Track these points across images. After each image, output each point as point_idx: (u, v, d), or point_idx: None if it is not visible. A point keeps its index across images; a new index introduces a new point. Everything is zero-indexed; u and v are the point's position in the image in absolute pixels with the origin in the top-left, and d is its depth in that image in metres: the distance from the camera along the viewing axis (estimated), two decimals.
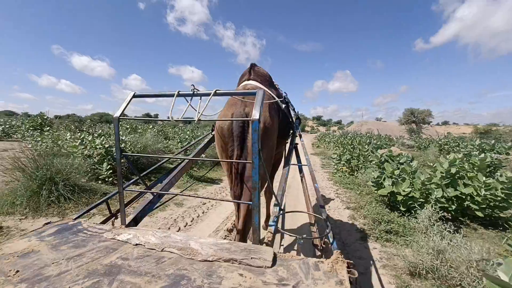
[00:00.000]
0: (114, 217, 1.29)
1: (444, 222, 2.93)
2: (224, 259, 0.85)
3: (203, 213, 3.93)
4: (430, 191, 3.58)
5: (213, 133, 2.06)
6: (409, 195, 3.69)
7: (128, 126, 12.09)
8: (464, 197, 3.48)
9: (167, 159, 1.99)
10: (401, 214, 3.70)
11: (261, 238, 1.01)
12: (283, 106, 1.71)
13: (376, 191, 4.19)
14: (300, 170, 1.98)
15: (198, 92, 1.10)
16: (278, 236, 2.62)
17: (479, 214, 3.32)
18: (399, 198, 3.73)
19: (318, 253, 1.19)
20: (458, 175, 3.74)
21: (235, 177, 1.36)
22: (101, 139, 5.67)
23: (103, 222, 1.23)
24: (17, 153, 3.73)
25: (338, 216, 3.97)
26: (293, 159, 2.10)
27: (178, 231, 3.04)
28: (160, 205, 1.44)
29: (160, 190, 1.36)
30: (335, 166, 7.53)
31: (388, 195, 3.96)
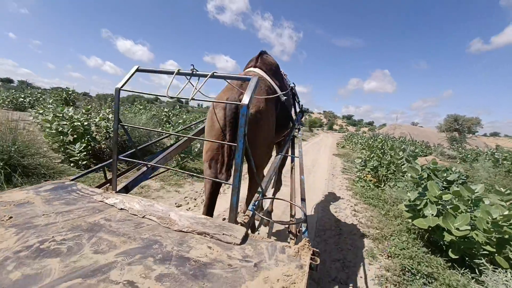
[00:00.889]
0: (108, 184, 1.36)
1: None
2: (198, 232, 0.90)
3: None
4: (508, 237, 2.22)
5: None
6: (467, 237, 2.40)
7: (141, 107, 12.08)
8: None
9: (166, 135, 2.05)
10: (450, 263, 2.40)
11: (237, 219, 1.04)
12: (284, 98, 1.70)
13: (410, 220, 2.89)
14: (292, 161, 1.99)
15: (196, 72, 1.13)
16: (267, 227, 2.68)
17: None
18: (449, 238, 2.45)
19: (293, 242, 1.22)
20: None
21: (221, 161, 1.38)
22: (79, 113, 4.86)
23: (98, 187, 1.31)
24: None
25: (350, 247, 2.79)
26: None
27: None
28: (152, 176, 1.50)
29: (154, 164, 1.42)
30: (358, 173, 6.10)
31: (430, 229, 2.67)
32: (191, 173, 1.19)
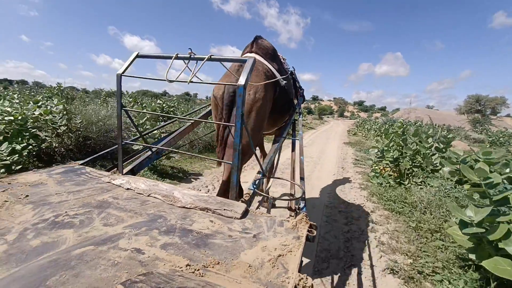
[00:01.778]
0: (115, 168, 1.42)
1: None
2: (200, 208, 0.94)
3: None
4: None
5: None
6: None
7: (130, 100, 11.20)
8: None
9: (172, 120, 2.08)
10: None
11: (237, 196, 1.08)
12: (283, 83, 1.69)
13: (474, 257, 1.73)
14: (293, 144, 2.02)
15: (194, 56, 1.14)
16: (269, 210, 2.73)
17: None
18: None
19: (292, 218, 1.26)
20: None
21: (221, 142, 1.44)
22: (11, 104, 3.89)
23: (106, 171, 1.36)
24: None
25: None
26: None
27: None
28: (157, 158, 1.55)
29: (158, 147, 1.46)
30: (374, 166, 4.84)
31: None
32: (196, 155, 1.23)
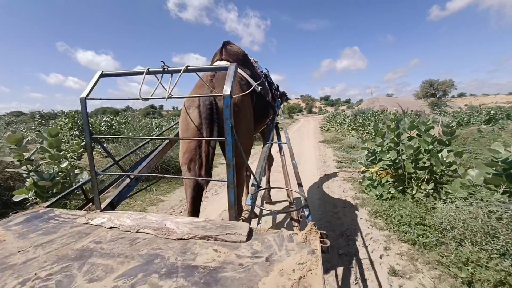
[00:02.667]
0: (90, 203, 1.24)
1: None
2: (199, 237, 0.84)
3: None
4: None
5: None
6: None
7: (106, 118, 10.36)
8: None
9: (147, 140, 1.91)
10: None
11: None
12: (259, 89, 1.66)
13: None
14: (280, 149, 1.98)
15: (168, 69, 1.04)
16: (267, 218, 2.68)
17: None
18: None
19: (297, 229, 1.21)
20: None
21: (198, 161, 1.31)
22: None
23: (79, 209, 1.18)
24: None
25: None
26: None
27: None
28: (138, 191, 1.40)
29: (137, 173, 1.31)
30: (365, 170, 3.74)
31: None
32: (181, 177, 1.11)
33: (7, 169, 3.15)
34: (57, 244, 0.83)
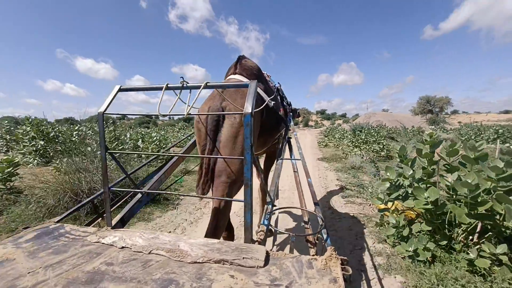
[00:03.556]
0: (100, 219, 1.21)
1: None
2: (215, 260, 0.80)
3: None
4: None
5: None
6: None
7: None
8: None
9: (154, 157, 1.90)
10: None
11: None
12: (272, 104, 1.63)
13: None
14: (293, 166, 1.93)
15: (187, 85, 1.03)
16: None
17: None
18: None
19: (313, 250, 1.15)
20: None
21: (206, 172, 1.27)
22: None
23: (89, 224, 1.15)
24: None
25: None
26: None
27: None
28: (149, 200, 1.36)
29: (148, 189, 1.29)
30: (385, 206, 2.78)
31: None
32: (191, 195, 1.08)
33: None
34: (68, 265, 0.79)
